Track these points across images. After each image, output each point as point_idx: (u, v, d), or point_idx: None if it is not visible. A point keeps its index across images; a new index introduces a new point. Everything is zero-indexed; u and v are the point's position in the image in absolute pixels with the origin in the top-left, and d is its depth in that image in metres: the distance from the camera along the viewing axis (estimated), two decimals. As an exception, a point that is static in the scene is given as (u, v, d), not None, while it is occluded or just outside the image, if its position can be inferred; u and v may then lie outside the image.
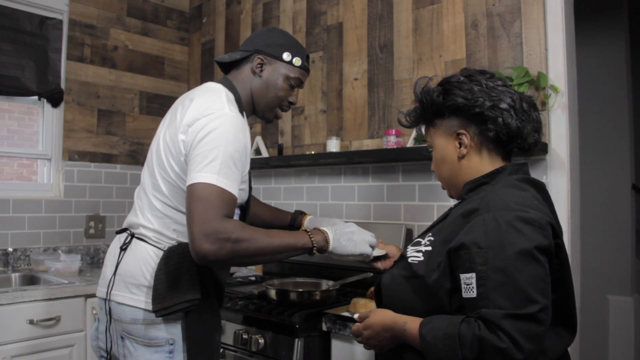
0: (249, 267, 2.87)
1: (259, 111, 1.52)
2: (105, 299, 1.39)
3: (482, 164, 1.14)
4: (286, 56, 1.47)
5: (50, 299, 2.13)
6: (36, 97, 2.77)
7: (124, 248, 1.39)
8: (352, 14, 2.49)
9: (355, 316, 1.23)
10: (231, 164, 1.24)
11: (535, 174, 1.89)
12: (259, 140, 2.80)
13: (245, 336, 1.78)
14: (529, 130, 1.13)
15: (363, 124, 2.42)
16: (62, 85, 2.83)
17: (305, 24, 2.69)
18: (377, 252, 1.48)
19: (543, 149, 1.83)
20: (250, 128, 2.93)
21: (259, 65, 1.46)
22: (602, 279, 3.09)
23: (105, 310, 1.39)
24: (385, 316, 1.12)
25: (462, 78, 1.15)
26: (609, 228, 3.11)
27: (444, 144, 1.17)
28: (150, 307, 1.30)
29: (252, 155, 2.79)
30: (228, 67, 1.53)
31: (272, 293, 1.86)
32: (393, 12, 2.33)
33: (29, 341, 2.07)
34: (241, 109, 1.44)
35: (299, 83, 1.51)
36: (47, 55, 2.78)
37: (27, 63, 2.71)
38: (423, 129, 1.27)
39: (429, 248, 1.11)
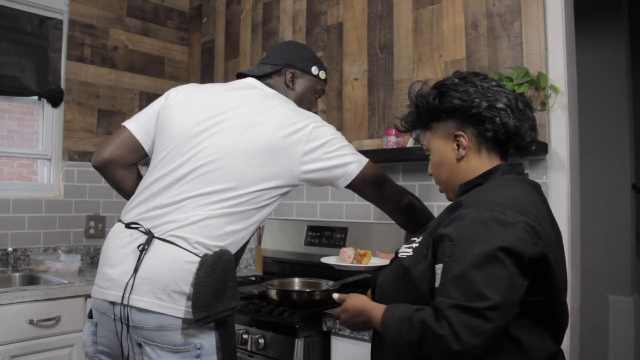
0: (249, 267, 2.87)
1: None
2: (120, 304, 1.27)
3: (482, 164, 1.14)
4: (314, 70, 1.60)
5: (50, 299, 2.13)
6: (36, 97, 2.77)
7: (142, 249, 1.28)
8: (352, 14, 2.49)
9: (335, 296, 1.27)
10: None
11: (535, 174, 1.89)
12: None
13: (245, 336, 1.78)
14: (526, 128, 1.14)
15: (363, 124, 2.42)
16: (62, 85, 2.84)
17: (305, 24, 2.69)
18: (380, 262, 1.47)
19: (543, 149, 1.83)
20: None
21: (291, 79, 1.56)
22: (602, 279, 3.09)
23: (122, 316, 1.27)
24: (358, 302, 1.17)
25: (456, 80, 1.16)
26: (609, 228, 3.11)
27: (442, 147, 1.18)
28: (182, 315, 1.25)
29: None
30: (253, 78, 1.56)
31: (272, 293, 1.86)
32: (393, 12, 2.33)
33: (29, 341, 2.07)
34: None
35: (322, 93, 1.67)
36: (47, 55, 2.78)
37: (27, 63, 2.71)
38: (419, 133, 1.27)
39: (417, 244, 1.14)
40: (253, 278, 2.39)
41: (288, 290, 1.85)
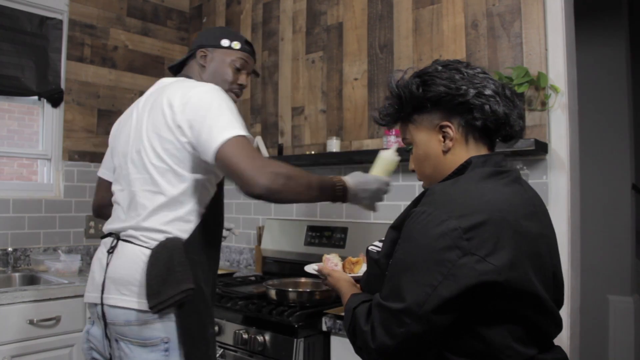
0: (249, 267, 2.87)
1: None
2: (97, 304, 1.39)
3: (471, 154, 1.06)
4: (224, 42, 1.58)
5: (50, 299, 2.13)
6: (36, 97, 2.77)
7: (110, 252, 1.41)
8: (352, 14, 2.49)
9: (314, 267, 1.33)
10: (237, 116, 1.33)
11: (535, 174, 1.89)
12: (259, 140, 2.80)
13: (245, 336, 1.78)
14: (515, 117, 1.07)
15: (363, 124, 2.42)
16: (62, 85, 2.83)
17: (305, 24, 2.69)
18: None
19: (543, 149, 1.83)
20: (250, 128, 2.94)
21: (202, 57, 1.57)
22: (602, 279, 3.09)
23: (99, 314, 1.39)
24: (335, 285, 1.25)
25: (440, 67, 1.07)
26: (609, 228, 3.11)
27: (426, 140, 1.09)
28: (143, 307, 1.30)
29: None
30: (179, 72, 1.64)
31: (272, 293, 1.86)
32: (393, 12, 2.33)
33: (29, 341, 2.07)
34: None
35: (243, 65, 1.60)
36: (47, 55, 2.78)
37: (27, 63, 2.71)
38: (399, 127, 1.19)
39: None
40: (253, 278, 2.39)
41: (288, 290, 1.85)
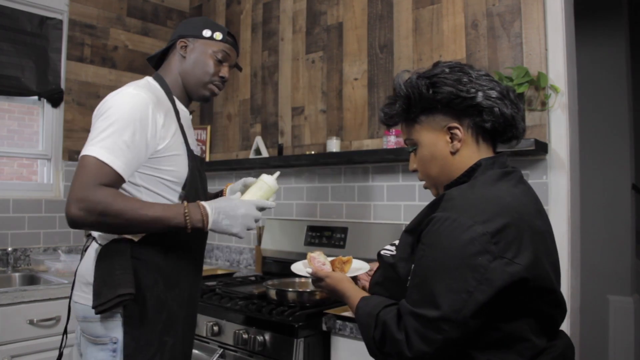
0: (249, 267, 2.87)
1: (191, 90, 1.52)
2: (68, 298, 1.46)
3: (475, 157, 1.08)
4: (206, 32, 1.51)
5: (50, 299, 2.13)
6: (36, 97, 2.77)
7: (84, 249, 1.45)
8: (352, 14, 2.49)
9: (308, 270, 1.28)
10: (119, 139, 1.24)
11: (535, 174, 1.89)
12: (259, 140, 2.80)
13: (245, 336, 1.78)
14: (519, 119, 1.10)
15: (363, 124, 2.42)
16: (62, 85, 2.83)
17: (305, 24, 2.69)
18: (359, 267, 1.42)
19: (543, 149, 1.83)
20: (250, 128, 2.93)
21: (182, 48, 1.50)
22: (602, 279, 3.09)
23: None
24: (337, 286, 1.23)
25: (447, 70, 1.08)
26: (609, 228, 3.11)
27: (433, 141, 1.10)
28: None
29: (252, 156, 2.80)
30: (160, 64, 1.59)
31: (272, 293, 1.86)
32: (393, 12, 2.33)
33: (29, 341, 2.07)
34: (170, 95, 1.47)
35: (225, 57, 1.53)
36: (47, 55, 2.78)
37: (27, 63, 2.71)
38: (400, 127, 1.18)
39: (399, 241, 1.13)
40: (253, 278, 2.39)
41: (288, 290, 1.85)
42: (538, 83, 1.85)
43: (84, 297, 1.36)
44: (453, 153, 1.09)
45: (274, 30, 2.84)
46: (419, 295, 0.95)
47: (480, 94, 1.05)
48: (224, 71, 1.54)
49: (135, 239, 1.34)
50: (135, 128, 1.27)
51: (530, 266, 0.92)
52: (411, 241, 1.05)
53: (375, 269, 1.35)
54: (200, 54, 1.50)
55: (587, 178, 2.74)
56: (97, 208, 1.19)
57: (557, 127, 1.86)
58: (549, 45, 1.88)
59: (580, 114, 2.04)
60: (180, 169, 1.40)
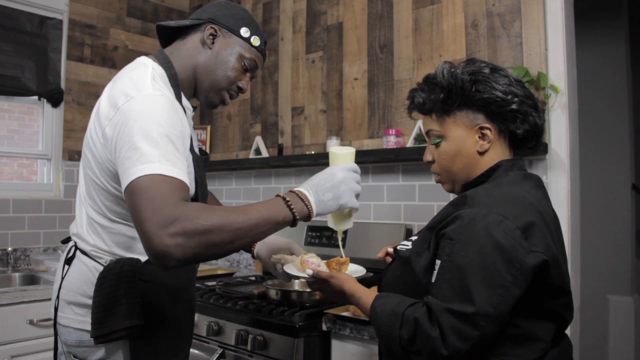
0: (249, 267, 2.87)
1: (202, 90, 1.26)
2: (51, 319, 1.24)
3: (500, 158, 1.10)
4: (244, 32, 1.25)
5: (50, 299, 2.12)
6: (36, 97, 2.77)
7: (68, 262, 1.23)
8: (352, 14, 2.49)
9: (308, 272, 1.20)
10: (170, 148, 1.01)
11: (535, 173, 1.89)
12: (259, 140, 2.80)
13: (245, 336, 1.78)
14: (543, 128, 1.14)
15: (363, 124, 2.42)
16: (62, 85, 2.84)
17: (305, 24, 2.69)
18: (356, 271, 1.37)
19: (543, 149, 1.83)
20: (250, 128, 2.93)
21: (210, 36, 1.23)
22: (602, 279, 3.09)
23: (54, 332, 1.24)
24: (344, 287, 1.14)
25: (486, 70, 1.08)
26: (609, 228, 3.11)
27: (462, 137, 1.09)
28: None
29: (252, 155, 2.80)
30: (172, 38, 1.29)
31: (272, 293, 1.86)
32: (393, 12, 2.33)
33: (29, 341, 2.07)
34: (177, 88, 1.21)
35: (253, 67, 1.29)
36: (47, 55, 2.78)
37: (27, 63, 2.71)
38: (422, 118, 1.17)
39: (416, 237, 1.14)
40: (253, 278, 2.39)
41: (288, 290, 1.85)
42: (538, 83, 1.85)
43: (76, 320, 1.18)
44: (480, 153, 1.10)
45: (274, 30, 2.84)
46: (451, 291, 0.94)
47: (517, 99, 1.07)
48: (245, 82, 1.30)
49: (142, 259, 1.17)
50: (176, 135, 1.05)
51: (554, 264, 0.96)
52: (429, 237, 1.06)
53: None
54: (228, 54, 1.24)
55: (587, 178, 2.74)
56: (196, 227, 0.90)
57: (557, 127, 1.86)
58: (549, 45, 1.88)
59: (580, 114, 2.04)
60: (190, 177, 1.19)
